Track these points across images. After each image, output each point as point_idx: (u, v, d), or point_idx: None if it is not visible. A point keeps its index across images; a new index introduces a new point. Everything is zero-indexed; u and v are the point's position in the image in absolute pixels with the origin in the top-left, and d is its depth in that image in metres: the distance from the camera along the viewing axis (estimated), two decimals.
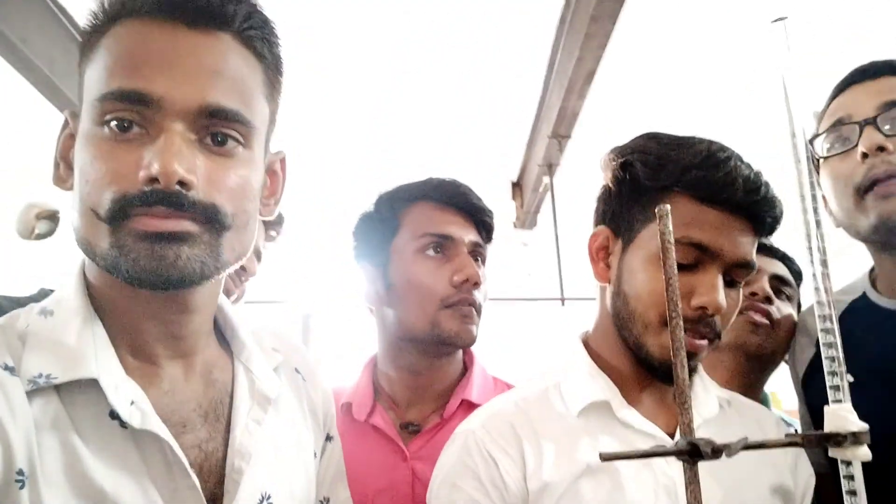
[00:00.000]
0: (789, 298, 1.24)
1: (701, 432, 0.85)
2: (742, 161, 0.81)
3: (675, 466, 0.80)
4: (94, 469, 0.59)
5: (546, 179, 3.46)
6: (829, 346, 0.60)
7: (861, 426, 0.57)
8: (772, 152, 1.18)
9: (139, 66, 0.61)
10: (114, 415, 0.61)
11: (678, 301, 0.59)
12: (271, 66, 0.70)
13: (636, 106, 2.96)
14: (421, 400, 1.12)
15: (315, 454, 0.81)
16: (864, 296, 1.05)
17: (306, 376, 0.83)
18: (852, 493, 0.58)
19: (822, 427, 0.95)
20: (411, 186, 1.16)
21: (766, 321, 1.17)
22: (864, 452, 0.57)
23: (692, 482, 0.56)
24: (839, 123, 0.97)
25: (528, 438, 0.82)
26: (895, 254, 0.98)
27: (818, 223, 0.61)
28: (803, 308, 1.25)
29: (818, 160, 1.01)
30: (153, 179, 0.59)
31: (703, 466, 0.79)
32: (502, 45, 2.67)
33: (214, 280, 0.67)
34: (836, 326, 0.61)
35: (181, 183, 0.60)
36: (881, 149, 0.91)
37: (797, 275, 1.28)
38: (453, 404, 1.10)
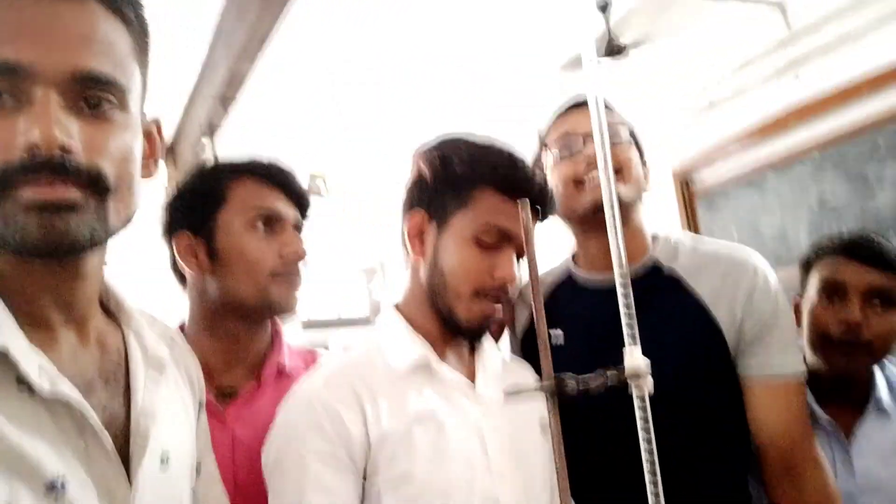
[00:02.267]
0: None
1: (495, 379, 1.03)
2: (531, 165, 1.00)
3: (478, 410, 0.97)
4: (11, 435, 0.59)
5: (206, 141, 3.38)
6: (626, 305, 0.80)
7: (646, 362, 0.77)
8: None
9: (6, 36, 0.61)
10: (21, 382, 0.61)
11: (538, 277, 0.74)
12: (138, 31, 0.70)
13: (306, 72, 3.04)
14: (235, 366, 1.15)
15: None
16: (569, 274, 1.32)
17: (180, 345, 0.86)
18: (643, 408, 0.80)
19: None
20: (235, 162, 1.17)
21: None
22: (650, 383, 0.78)
23: (553, 412, 0.72)
24: (567, 135, 1.21)
25: (365, 395, 0.92)
26: (598, 235, 1.24)
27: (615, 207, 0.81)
28: None
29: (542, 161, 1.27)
30: (33, 147, 0.59)
31: (495, 408, 0.98)
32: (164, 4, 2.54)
33: (104, 246, 0.69)
34: (629, 288, 0.81)
35: (62, 149, 0.60)
36: None
37: None
38: (270, 369, 1.16)
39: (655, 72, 2.99)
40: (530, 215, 0.73)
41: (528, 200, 0.74)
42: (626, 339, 0.80)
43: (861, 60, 2.57)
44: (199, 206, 1.13)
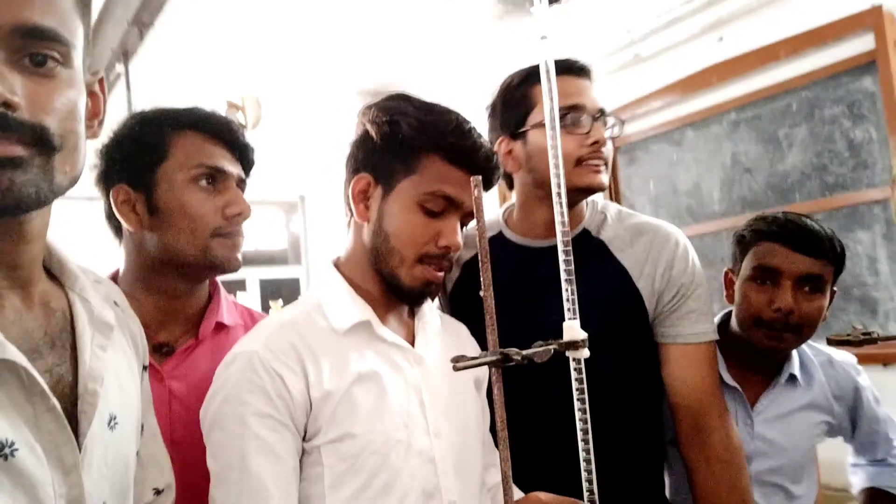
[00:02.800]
0: None
1: (434, 340, 1.06)
2: (478, 131, 1.00)
3: (417, 371, 1.00)
4: None
5: (119, 67, 3.21)
6: (568, 280, 0.84)
7: (584, 335, 0.81)
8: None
9: None
10: None
11: (488, 252, 0.76)
12: None
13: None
14: (172, 322, 1.13)
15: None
16: (500, 233, 1.34)
17: (124, 309, 0.85)
18: (580, 381, 0.84)
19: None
20: (178, 113, 1.12)
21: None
22: (586, 353, 0.82)
23: (498, 381, 0.75)
24: (576, 109, 1.19)
25: (307, 355, 0.93)
26: (547, 205, 1.24)
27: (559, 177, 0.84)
28: None
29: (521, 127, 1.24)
30: None
31: (433, 368, 1.01)
32: None
33: (48, 207, 0.68)
34: (572, 265, 0.84)
35: (6, 105, 0.59)
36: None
37: None
38: (208, 326, 1.14)
39: (586, 22, 3.01)
40: (482, 191, 0.75)
41: (480, 177, 0.75)
42: (567, 314, 0.83)
43: (781, 24, 2.66)
44: (138, 159, 1.09)
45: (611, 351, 1.16)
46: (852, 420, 1.39)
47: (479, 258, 0.76)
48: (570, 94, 1.20)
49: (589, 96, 1.22)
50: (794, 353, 1.36)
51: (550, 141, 0.85)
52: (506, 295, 1.24)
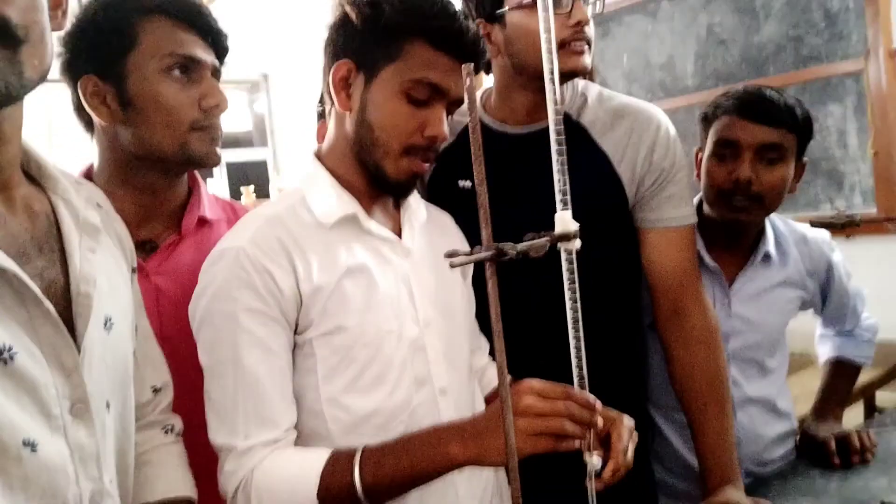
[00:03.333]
0: None
1: (419, 234, 1.05)
2: (463, 15, 0.95)
3: (405, 263, 1.00)
4: None
5: None
6: (560, 167, 0.82)
7: (576, 226, 0.81)
8: None
9: None
10: None
11: (481, 145, 0.74)
12: None
13: None
14: (153, 218, 1.10)
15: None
16: (479, 121, 1.29)
17: (107, 211, 0.84)
18: (571, 270, 0.85)
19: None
20: None
21: None
22: (578, 244, 0.82)
23: (492, 277, 0.75)
24: None
25: (295, 249, 0.92)
26: (529, 90, 1.21)
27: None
28: None
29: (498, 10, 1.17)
30: None
31: (421, 259, 1.01)
32: None
33: (20, 104, 0.66)
34: (565, 154, 0.83)
35: None
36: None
37: None
38: (190, 221, 1.12)
39: None
40: (474, 78, 0.72)
41: (472, 65, 0.72)
42: (559, 205, 0.83)
43: None
44: (105, 47, 1.01)
45: (592, 238, 1.16)
46: (823, 295, 1.44)
47: (472, 151, 0.74)
48: None
49: None
50: (769, 231, 1.38)
51: (543, 24, 0.80)
52: (488, 182, 1.22)
